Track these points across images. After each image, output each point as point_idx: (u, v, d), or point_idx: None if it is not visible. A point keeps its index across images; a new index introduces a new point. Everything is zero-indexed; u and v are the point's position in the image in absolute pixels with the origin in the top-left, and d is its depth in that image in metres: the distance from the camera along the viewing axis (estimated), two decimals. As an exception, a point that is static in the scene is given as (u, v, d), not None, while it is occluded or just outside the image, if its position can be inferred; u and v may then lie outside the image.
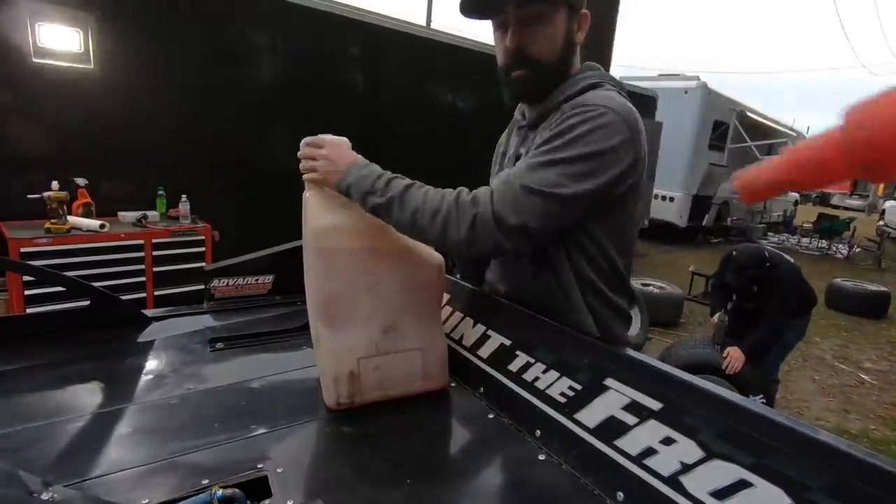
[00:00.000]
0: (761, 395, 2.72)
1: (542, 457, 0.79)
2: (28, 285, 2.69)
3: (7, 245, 2.68)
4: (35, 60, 2.92)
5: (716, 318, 2.99)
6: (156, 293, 3.16)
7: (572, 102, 0.94)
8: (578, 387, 0.78)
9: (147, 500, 0.67)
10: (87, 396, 1.01)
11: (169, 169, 3.52)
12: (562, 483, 0.73)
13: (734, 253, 2.85)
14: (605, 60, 4.26)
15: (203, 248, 3.33)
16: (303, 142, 0.97)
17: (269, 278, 1.57)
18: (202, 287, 1.49)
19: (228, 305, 1.48)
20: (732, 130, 9.77)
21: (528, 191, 0.86)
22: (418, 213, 0.87)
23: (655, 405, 0.66)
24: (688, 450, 0.61)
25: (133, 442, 0.81)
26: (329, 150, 0.94)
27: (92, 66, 3.12)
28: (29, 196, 2.82)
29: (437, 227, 0.87)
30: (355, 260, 0.91)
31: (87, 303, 1.25)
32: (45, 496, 0.58)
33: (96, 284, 1.27)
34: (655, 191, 8.46)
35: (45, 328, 1.21)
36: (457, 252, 0.92)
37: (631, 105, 0.93)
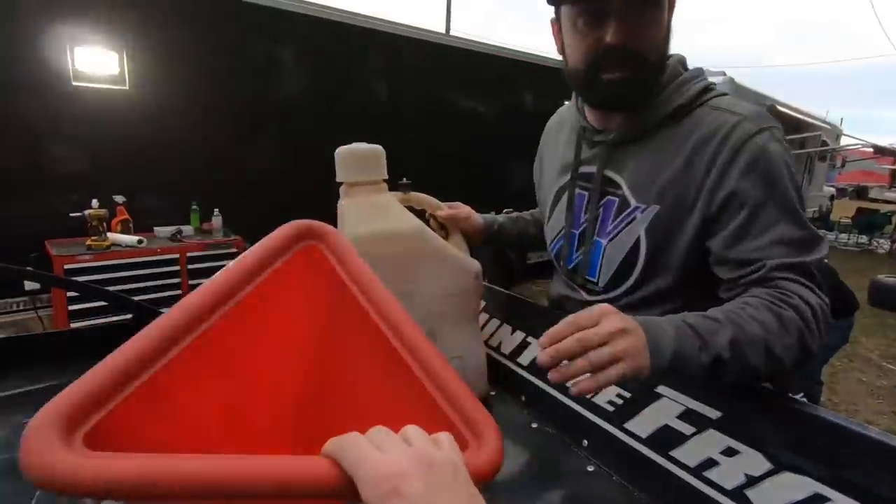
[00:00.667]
0: (802, 394, 2.63)
1: (590, 468, 0.77)
2: (71, 300, 2.78)
3: (52, 262, 2.79)
4: (74, 84, 3.04)
5: None
6: (191, 305, 3.22)
7: (746, 130, 0.75)
8: (627, 395, 0.75)
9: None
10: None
11: (201, 184, 3.61)
12: (613, 496, 0.71)
13: None
14: None
15: (235, 261, 3.39)
16: (551, 334, 0.55)
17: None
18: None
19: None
20: (763, 125, 9.53)
21: (817, 265, 0.73)
22: (769, 345, 0.64)
23: (713, 414, 0.63)
24: (753, 462, 0.58)
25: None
26: (618, 319, 0.57)
27: (127, 87, 3.23)
28: (71, 214, 2.93)
29: (792, 350, 0.65)
30: (392, 267, 0.90)
31: (130, 316, 1.28)
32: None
33: (136, 298, 1.30)
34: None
35: (92, 342, 1.24)
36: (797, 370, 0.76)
37: None
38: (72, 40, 3.00)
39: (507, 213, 1.34)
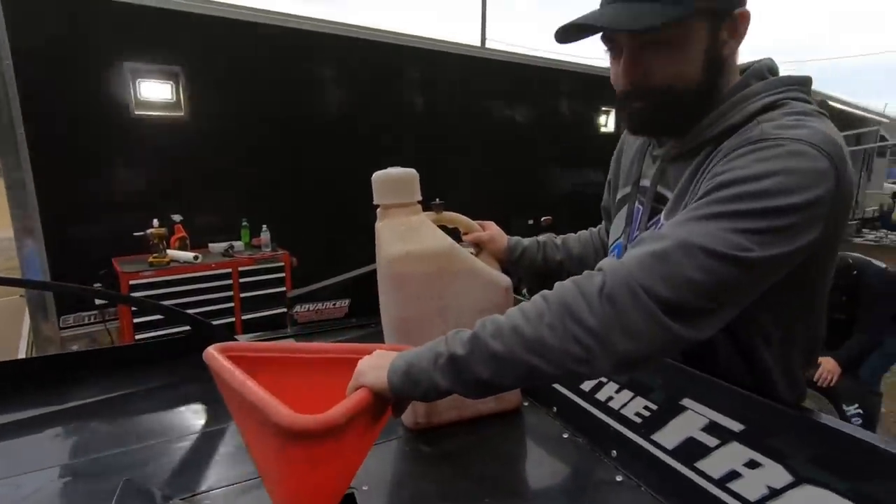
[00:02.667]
0: (856, 405, 2.51)
1: (619, 478, 0.79)
2: (136, 314, 3.00)
3: (118, 278, 3.01)
4: (136, 113, 3.29)
5: None
6: (243, 318, 3.40)
7: (749, 136, 0.68)
8: (654, 406, 0.77)
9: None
10: (193, 417, 1.12)
11: (251, 202, 3.81)
12: (640, 501, 0.73)
13: None
14: None
15: (283, 274, 3.55)
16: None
17: (345, 302, 1.66)
18: (283, 311, 1.61)
19: (309, 329, 1.58)
20: (814, 121, 9.11)
21: (695, 251, 0.60)
22: (517, 332, 0.62)
23: (736, 426, 0.64)
24: (774, 475, 0.59)
25: (236, 460, 0.89)
26: (365, 360, 0.69)
27: (182, 114, 3.46)
28: (134, 234, 3.16)
29: (550, 339, 0.60)
30: (426, 284, 0.95)
31: (188, 328, 1.38)
32: (165, 508, 0.67)
33: (192, 311, 1.41)
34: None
35: (154, 355, 1.35)
36: (597, 373, 0.64)
37: (836, 133, 0.68)
38: (134, 73, 3.25)
39: (544, 221, 1.38)
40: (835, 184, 0.63)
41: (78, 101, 3.12)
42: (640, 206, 0.91)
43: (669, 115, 0.78)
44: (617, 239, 0.98)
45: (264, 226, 3.66)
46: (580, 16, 0.74)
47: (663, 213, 0.82)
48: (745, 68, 0.79)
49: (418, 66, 4.63)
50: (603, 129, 6.02)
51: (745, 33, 0.74)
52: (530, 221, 5.15)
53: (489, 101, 5.18)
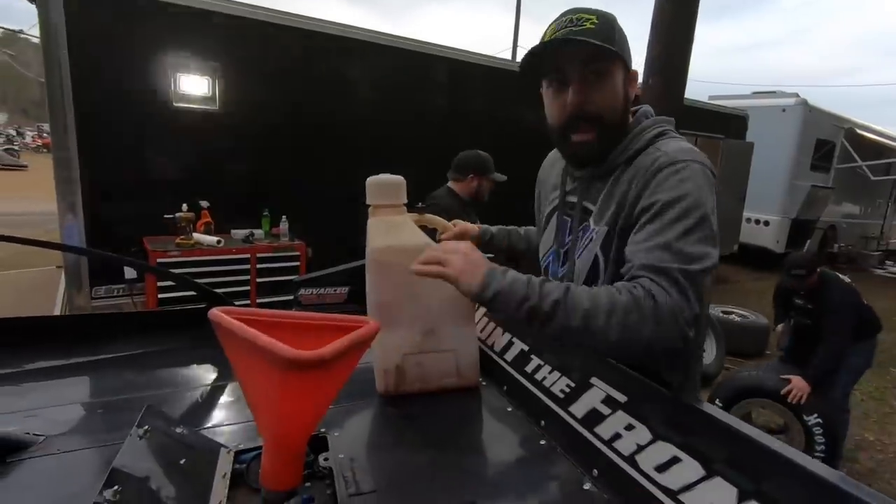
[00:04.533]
0: (816, 415, 2.65)
1: (542, 442, 0.96)
2: (160, 290, 3.26)
3: (147, 255, 3.28)
4: (175, 105, 3.56)
5: (779, 327, 3.21)
6: (258, 301, 3.64)
7: (661, 162, 0.95)
8: (573, 384, 0.94)
9: (240, 444, 0.93)
10: (205, 373, 1.33)
11: (273, 193, 4.05)
12: (553, 460, 0.90)
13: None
14: (681, 77, 4.14)
15: (298, 263, 3.78)
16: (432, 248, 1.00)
17: (345, 289, 1.85)
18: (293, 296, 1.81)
19: (313, 311, 1.77)
20: (840, 149, 8.98)
21: (692, 274, 0.84)
22: (590, 316, 0.82)
23: (622, 398, 0.81)
24: (642, 434, 0.76)
25: (237, 407, 1.09)
26: (466, 254, 0.91)
27: (217, 107, 3.72)
28: (165, 216, 3.43)
29: (615, 328, 0.81)
30: (403, 274, 1.13)
31: (204, 305, 1.59)
32: (177, 430, 0.87)
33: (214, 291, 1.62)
34: (748, 214, 8.01)
35: (175, 321, 1.57)
36: (634, 355, 0.86)
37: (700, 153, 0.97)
38: (174, 68, 3.52)
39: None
40: (712, 183, 0.93)
41: (124, 90, 3.40)
42: (568, 218, 1.13)
43: (601, 148, 1.04)
44: (550, 247, 1.19)
45: (284, 216, 3.90)
46: (536, 44, 0.98)
47: (591, 220, 1.07)
48: (635, 111, 1.06)
49: (441, 73, 4.83)
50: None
51: (635, 88, 1.04)
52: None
53: (510, 106, 5.33)
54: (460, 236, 1.41)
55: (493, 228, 1.52)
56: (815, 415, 2.66)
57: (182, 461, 0.80)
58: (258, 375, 0.79)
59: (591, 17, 0.95)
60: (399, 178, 1.22)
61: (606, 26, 0.96)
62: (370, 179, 1.21)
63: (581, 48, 0.94)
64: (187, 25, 3.55)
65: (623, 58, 0.98)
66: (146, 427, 0.81)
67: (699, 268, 0.86)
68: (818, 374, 2.69)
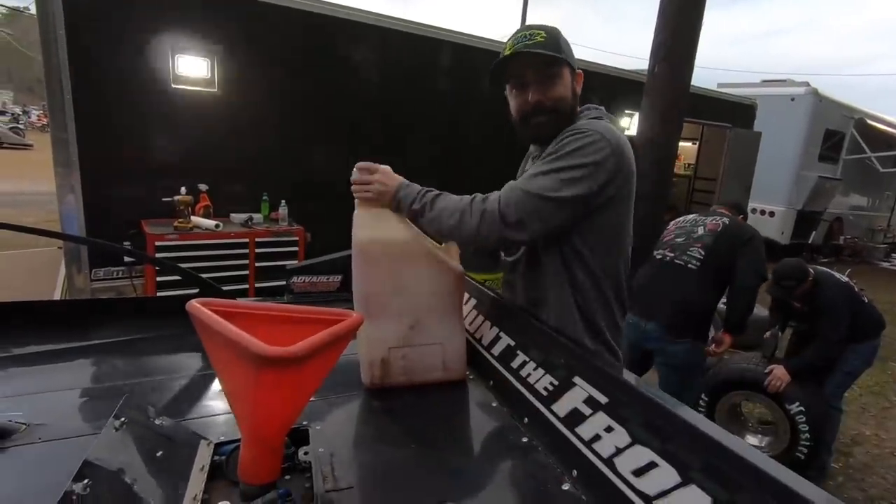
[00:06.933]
0: (798, 403, 2.65)
1: (525, 440, 0.95)
2: (159, 273, 3.26)
3: (146, 238, 3.27)
4: (174, 86, 3.52)
5: (768, 333, 2.99)
6: (256, 285, 3.64)
7: (569, 128, 1.20)
8: (556, 382, 0.93)
9: (221, 436, 0.92)
10: (192, 361, 1.32)
11: (272, 177, 4.03)
12: (534, 459, 0.89)
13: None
14: (688, 65, 4.06)
15: (296, 248, 3.77)
16: (356, 166, 1.20)
17: (338, 278, 1.85)
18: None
19: (304, 299, 1.77)
20: (849, 140, 8.84)
21: (528, 194, 1.12)
22: (444, 212, 1.14)
23: (602, 399, 0.80)
24: (621, 437, 0.75)
25: (224, 398, 1.09)
26: (382, 175, 1.18)
27: (216, 90, 3.68)
28: (163, 199, 3.41)
29: (454, 222, 1.13)
30: (389, 266, 1.13)
31: (197, 290, 1.59)
32: (157, 422, 0.87)
33: (209, 275, 1.61)
34: (753, 204, 7.90)
35: (168, 308, 1.56)
36: (471, 242, 1.19)
37: (618, 131, 1.19)
38: (173, 49, 3.47)
39: None
40: (613, 159, 1.13)
41: (122, 72, 3.37)
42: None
43: (552, 128, 1.23)
44: None
45: (283, 201, 3.88)
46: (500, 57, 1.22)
47: None
48: (588, 107, 1.31)
49: (447, 59, 4.76)
50: (626, 133, 6.04)
51: (580, 86, 1.27)
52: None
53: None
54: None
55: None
56: (797, 403, 2.64)
57: (159, 453, 0.80)
58: (234, 369, 0.78)
59: (541, 31, 1.20)
60: (385, 168, 1.20)
61: (553, 39, 1.20)
62: (359, 166, 1.20)
63: (536, 57, 1.18)
64: (188, 6, 3.50)
65: (569, 62, 1.22)
66: (123, 419, 0.81)
67: (541, 193, 1.11)
68: (799, 365, 2.67)
